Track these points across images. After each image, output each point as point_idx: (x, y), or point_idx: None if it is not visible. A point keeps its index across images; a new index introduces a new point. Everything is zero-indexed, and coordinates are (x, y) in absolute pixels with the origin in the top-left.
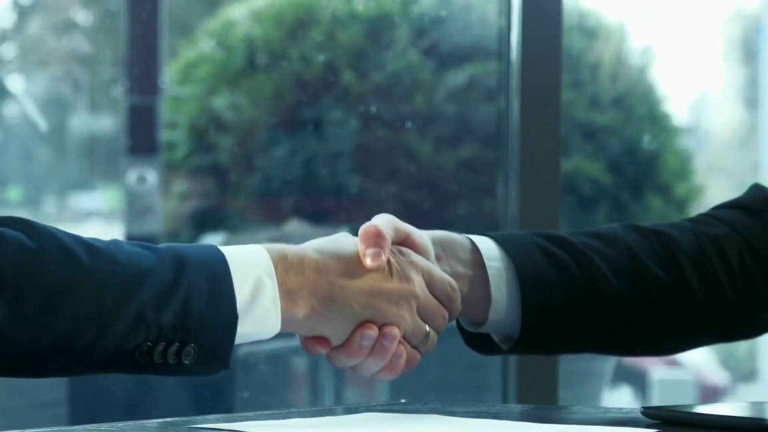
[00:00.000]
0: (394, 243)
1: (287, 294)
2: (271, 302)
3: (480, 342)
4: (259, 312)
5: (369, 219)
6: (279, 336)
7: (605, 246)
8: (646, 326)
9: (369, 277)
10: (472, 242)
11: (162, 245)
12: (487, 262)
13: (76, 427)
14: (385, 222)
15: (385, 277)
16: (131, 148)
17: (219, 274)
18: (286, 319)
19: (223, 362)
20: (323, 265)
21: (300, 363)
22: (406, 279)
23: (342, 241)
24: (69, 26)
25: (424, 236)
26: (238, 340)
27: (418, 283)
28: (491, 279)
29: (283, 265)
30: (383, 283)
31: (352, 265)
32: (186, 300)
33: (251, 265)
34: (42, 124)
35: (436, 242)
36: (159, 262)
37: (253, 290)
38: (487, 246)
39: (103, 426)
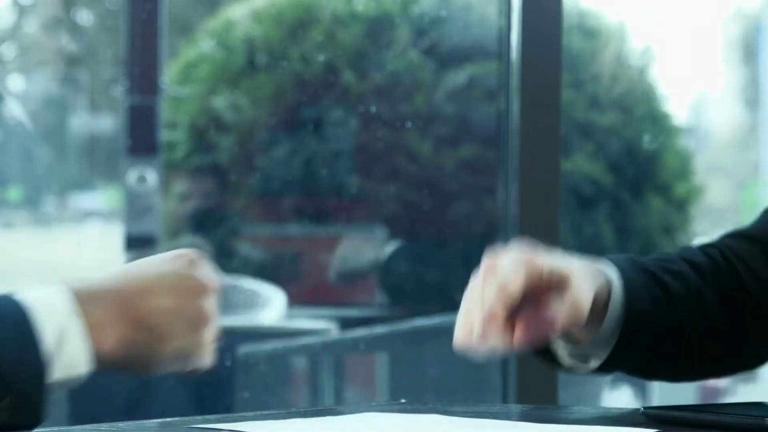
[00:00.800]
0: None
1: (94, 329)
2: (79, 342)
3: (546, 357)
4: (69, 355)
5: (369, 219)
6: (279, 336)
7: (681, 286)
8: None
9: (162, 299)
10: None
11: None
12: (613, 288)
13: (75, 427)
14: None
15: (172, 294)
16: (131, 148)
17: (23, 324)
18: (97, 355)
19: (37, 415)
20: (123, 292)
21: (300, 363)
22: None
23: (148, 263)
24: (69, 26)
25: (556, 268)
26: (51, 388)
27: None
28: (611, 304)
29: (87, 300)
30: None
31: (145, 288)
32: None
33: (53, 308)
34: (28, 123)
35: (583, 269)
36: None
37: (59, 334)
38: (612, 272)
39: (103, 426)
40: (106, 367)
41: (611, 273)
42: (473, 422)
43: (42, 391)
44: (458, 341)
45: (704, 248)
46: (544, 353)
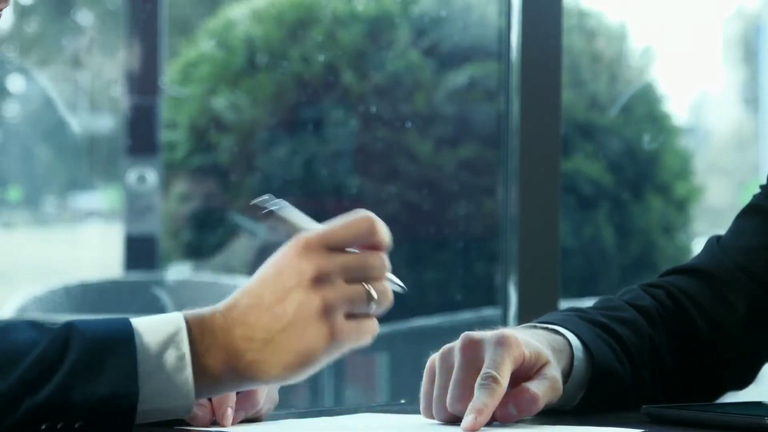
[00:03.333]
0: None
1: (201, 359)
2: (183, 372)
3: None
4: (172, 383)
5: None
6: None
7: (635, 336)
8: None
9: (264, 318)
10: (565, 338)
11: (70, 321)
12: (575, 353)
13: None
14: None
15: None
16: (131, 148)
17: (116, 347)
18: (203, 385)
19: None
20: (231, 322)
21: None
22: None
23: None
24: (69, 26)
25: (534, 348)
26: (146, 416)
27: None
28: (575, 371)
29: (199, 329)
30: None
31: (251, 316)
32: (67, 377)
33: (162, 333)
34: (28, 123)
35: (551, 343)
36: (47, 342)
37: (177, 361)
38: (574, 341)
39: None
40: (221, 392)
41: (569, 336)
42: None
43: (126, 417)
44: (437, 418)
45: (648, 289)
46: None
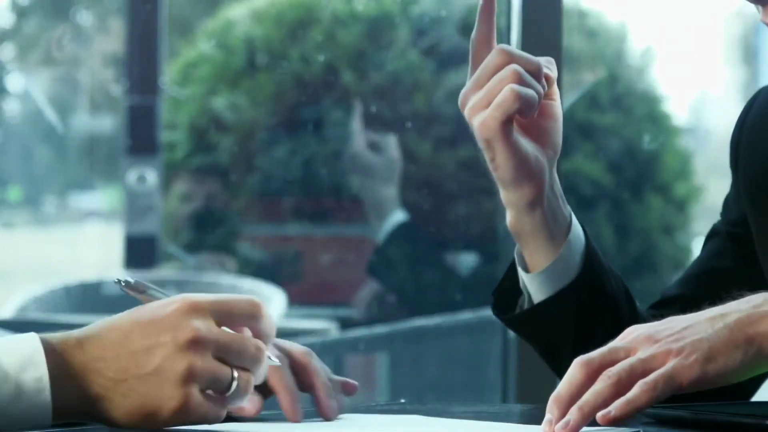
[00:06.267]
0: None
1: (58, 383)
2: (37, 396)
3: (504, 304)
4: (25, 407)
5: (368, 219)
6: (279, 336)
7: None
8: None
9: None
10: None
11: None
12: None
13: (76, 428)
14: None
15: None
16: (131, 148)
17: None
18: (59, 409)
19: None
20: (88, 353)
21: None
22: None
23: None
24: (69, 26)
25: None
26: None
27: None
28: (571, 237)
29: (53, 353)
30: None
31: (106, 341)
32: None
33: (19, 354)
34: (28, 123)
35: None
36: None
37: (15, 387)
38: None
39: (102, 426)
40: (73, 418)
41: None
42: (457, 423)
43: None
44: None
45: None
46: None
